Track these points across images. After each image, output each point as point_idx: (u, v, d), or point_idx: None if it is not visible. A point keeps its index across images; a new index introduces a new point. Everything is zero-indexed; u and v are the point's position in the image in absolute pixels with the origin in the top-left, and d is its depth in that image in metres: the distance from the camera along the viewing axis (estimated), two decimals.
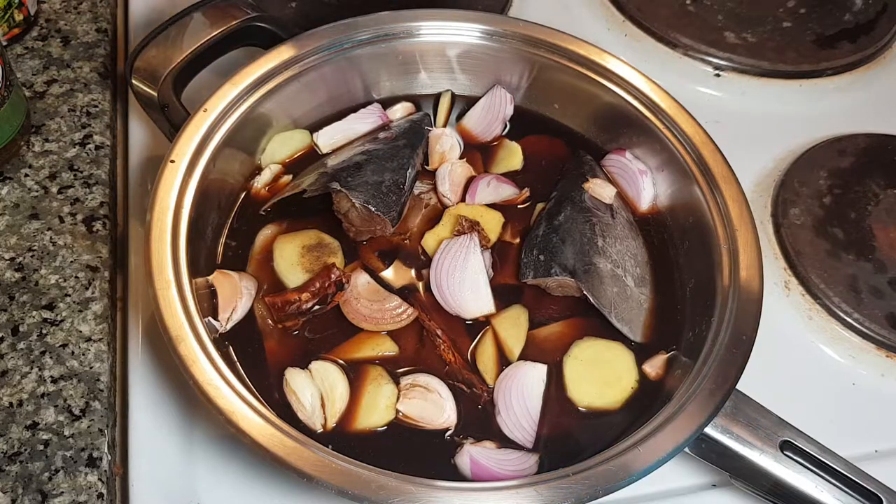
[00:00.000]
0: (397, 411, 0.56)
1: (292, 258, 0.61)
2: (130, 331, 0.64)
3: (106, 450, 0.57)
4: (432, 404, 0.56)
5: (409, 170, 0.66)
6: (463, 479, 0.53)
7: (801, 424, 0.55)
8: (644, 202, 0.68)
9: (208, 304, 0.57)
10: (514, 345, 0.59)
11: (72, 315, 0.62)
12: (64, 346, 0.61)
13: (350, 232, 0.64)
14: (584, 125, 0.72)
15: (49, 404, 0.58)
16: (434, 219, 0.66)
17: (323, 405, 0.55)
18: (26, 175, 0.69)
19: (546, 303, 0.62)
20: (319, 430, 0.55)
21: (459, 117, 0.73)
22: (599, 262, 0.62)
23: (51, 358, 0.60)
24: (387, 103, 0.72)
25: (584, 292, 0.60)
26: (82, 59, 0.77)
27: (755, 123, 0.83)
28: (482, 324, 0.60)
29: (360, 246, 0.64)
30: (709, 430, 0.53)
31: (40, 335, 0.61)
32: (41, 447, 0.56)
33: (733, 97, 0.86)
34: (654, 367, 0.59)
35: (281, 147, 0.68)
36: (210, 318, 0.56)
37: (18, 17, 0.76)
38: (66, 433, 0.57)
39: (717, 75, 0.87)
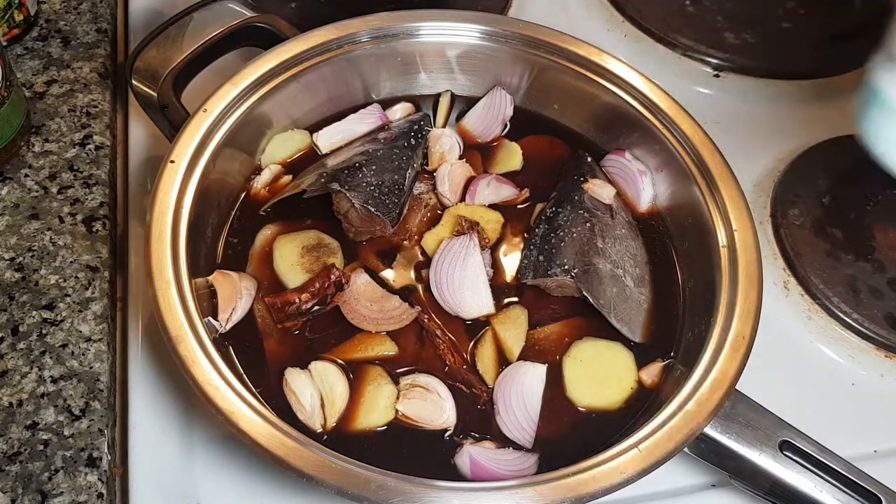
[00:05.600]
0: (397, 411, 0.56)
1: (292, 258, 0.61)
2: (130, 331, 0.64)
3: (106, 450, 0.57)
4: (432, 404, 0.56)
5: (409, 170, 0.66)
6: (462, 479, 0.54)
7: (801, 424, 0.55)
8: (643, 202, 0.68)
9: (208, 304, 0.57)
10: (514, 345, 0.59)
11: (72, 315, 0.62)
12: (64, 346, 0.61)
13: (350, 232, 0.64)
14: (583, 125, 0.73)
15: (49, 404, 0.58)
16: (434, 219, 0.66)
17: (322, 405, 0.55)
18: (26, 175, 0.69)
19: (546, 303, 0.62)
20: (319, 430, 0.55)
21: (459, 118, 0.73)
22: (599, 262, 0.62)
23: (51, 358, 0.60)
24: (386, 104, 0.72)
25: (584, 293, 0.60)
26: (82, 60, 0.77)
27: (754, 124, 0.83)
28: (482, 324, 0.61)
29: (359, 246, 0.64)
30: (708, 429, 0.53)
31: (40, 335, 0.61)
32: (41, 447, 0.56)
33: (733, 98, 0.86)
34: (650, 374, 0.59)
35: (281, 147, 0.68)
36: (210, 318, 0.56)
37: (18, 17, 0.76)
38: (66, 433, 0.57)
39: (717, 76, 0.87)
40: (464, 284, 0.61)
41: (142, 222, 0.62)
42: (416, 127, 0.70)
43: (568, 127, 0.73)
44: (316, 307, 0.59)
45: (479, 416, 0.57)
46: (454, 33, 0.71)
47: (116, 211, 0.72)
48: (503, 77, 0.73)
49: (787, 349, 0.68)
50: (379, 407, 0.56)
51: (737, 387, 0.54)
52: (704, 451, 0.55)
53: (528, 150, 0.71)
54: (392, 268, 0.63)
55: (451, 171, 0.68)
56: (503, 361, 0.59)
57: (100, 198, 0.69)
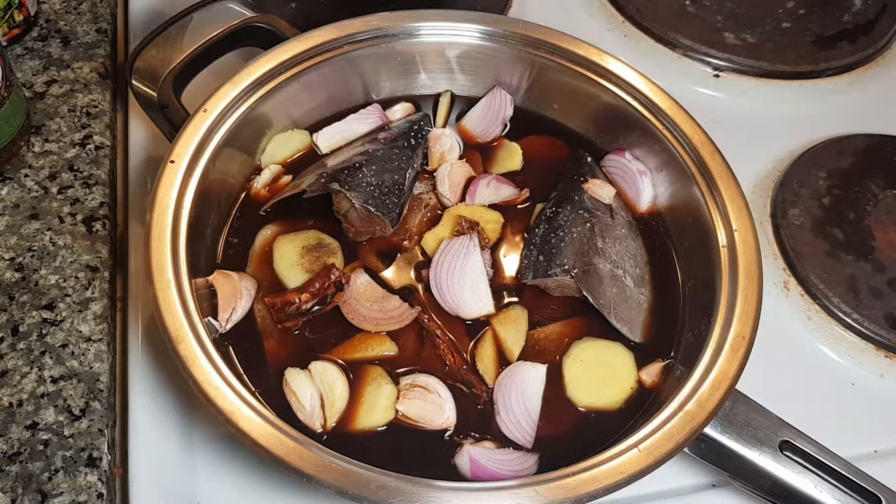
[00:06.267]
0: (397, 411, 0.56)
1: (292, 258, 0.62)
2: (130, 331, 0.64)
3: (106, 450, 0.57)
4: (432, 404, 0.56)
5: (409, 170, 0.66)
6: (462, 479, 0.54)
7: (801, 424, 0.55)
8: (643, 202, 0.68)
9: (208, 304, 0.57)
10: (514, 345, 0.59)
11: (72, 315, 0.62)
12: (64, 346, 0.61)
13: (350, 232, 0.64)
14: (583, 125, 0.73)
15: (49, 404, 0.58)
16: (434, 219, 0.66)
17: (322, 405, 0.55)
18: (26, 175, 0.69)
19: (546, 303, 0.62)
20: (319, 430, 0.55)
21: (459, 118, 0.73)
22: (599, 262, 0.62)
23: (51, 358, 0.60)
24: (386, 104, 0.72)
25: (584, 293, 0.60)
26: (82, 60, 0.77)
27: (754, 124, 0.83)
28: (482, 324, 0.61)
29: (359, 246, 0.64)
30: (708, 430, 0.53)
31: (40, 335, 0.61)
32: (41, 447, 0.56)
33: (733, 98, 0.86)
34: (650, 374, 0.59)
35: (281, 147, 0.68)
36: (210, 319, 0.56)
37: (18, 17, 0.76)
38: (66, 433, 0.57)
39: (717, 76, 0.87)
40: (464, 284, 0.61)
41: (142, 222, 0.62)
42: (416, 127, 0.70)
43: (568, 127, 0.73)
44: (316, 307, 0.59)
45: (479, 416, 0.57)
46: (454, 33, 0.71)
47: (116, 211, 0.72)
48: (503, 77, 0.73)
49: (787, 349, 0.68)
50: (379, 407, 0.56)
51: (737, 387, 0.54)
52: (704, 451, 0.55)
53: (528, 150, 0.71)
54: (392, 268, 0.63)
55: (451, 171, 0.68)
56: (503, 361, 0.59)
57: (100, 198, 0.69)
